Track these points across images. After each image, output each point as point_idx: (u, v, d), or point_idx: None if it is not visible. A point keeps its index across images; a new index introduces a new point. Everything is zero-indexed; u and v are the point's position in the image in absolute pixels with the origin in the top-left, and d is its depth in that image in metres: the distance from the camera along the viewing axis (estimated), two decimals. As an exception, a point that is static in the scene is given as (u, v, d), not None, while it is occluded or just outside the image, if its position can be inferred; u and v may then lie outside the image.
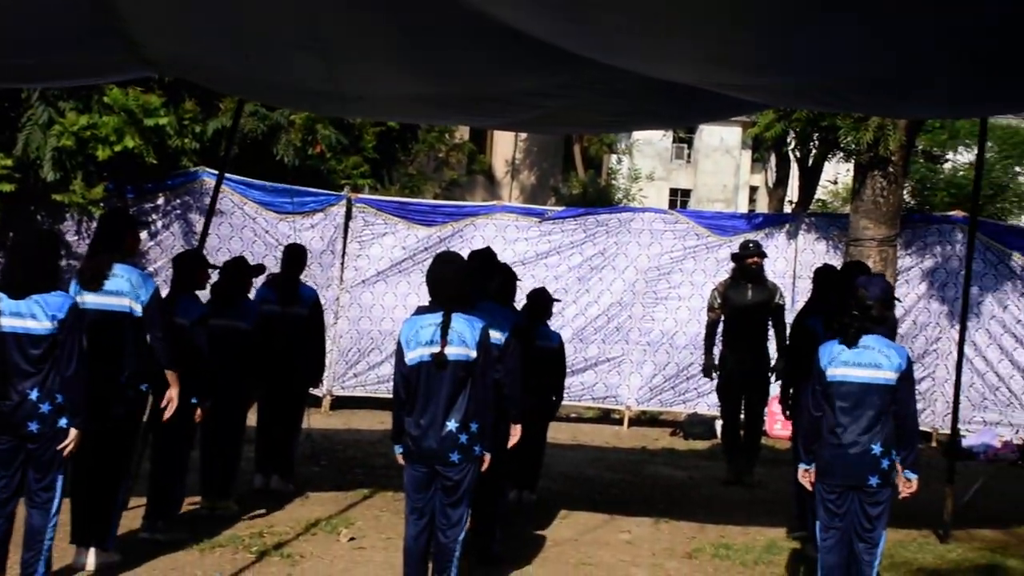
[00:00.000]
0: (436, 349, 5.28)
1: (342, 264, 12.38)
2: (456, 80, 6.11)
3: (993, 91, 6.01)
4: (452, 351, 5.29)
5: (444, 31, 5.25)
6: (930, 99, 6.20)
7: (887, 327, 5.61)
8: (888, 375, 5.29)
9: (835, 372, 5.35)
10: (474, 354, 5.33)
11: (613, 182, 32.69)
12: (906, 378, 5.36)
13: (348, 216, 12.41)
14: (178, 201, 11.99)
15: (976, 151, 25.14)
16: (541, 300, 7.64)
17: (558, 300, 7.12)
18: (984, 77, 5.51)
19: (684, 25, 4.51)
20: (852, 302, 5.39)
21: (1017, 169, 26.68)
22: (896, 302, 7.21)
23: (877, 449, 5.26)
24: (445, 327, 5.29)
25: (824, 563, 5.44)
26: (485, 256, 6.61)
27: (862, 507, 5.34)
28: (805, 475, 5.54)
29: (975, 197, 8.61)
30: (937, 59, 5.00)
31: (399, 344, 5.41)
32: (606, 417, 13.02)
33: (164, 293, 6.46)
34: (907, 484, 5.43)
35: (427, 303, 5.51)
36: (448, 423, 5.27)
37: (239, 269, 7.52)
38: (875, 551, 5.40)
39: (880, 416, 5.30)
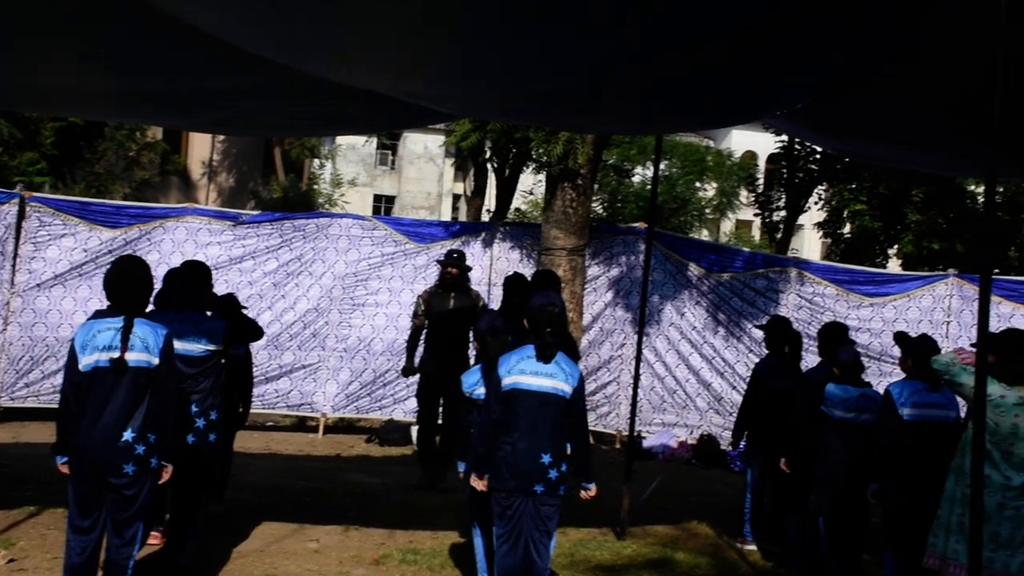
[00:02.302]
0: (115, 354, 5.08)
1: (13, 267, 11.60)
2: (139, 77, 5.91)
3: (667, 111, 6.47)
4: (133, 357, 5.12)
5: (127, 25, 5.06)
6: (608, 116, 6.59)
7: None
8: (564, 387, 5.55)
9: (512, 380, 5.55)
10: (156, 361, 5.18)
11: (315, 187, 32.41)
12: (578, 394, 5.63)
13: (21, 216, 11.64)
14: None
15: (661, 166, 26.83)
16: (228, 306, 7.49)
17: (245, 308, 7.01)
18: (657, 97, 5.93)
19: (374, 34, 4.58)
20: (543, 318, 5.58)
21: (698, 184, 28.72)
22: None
23: (547, 459, 5.51)
24: (126, 332, 5.11)
25: (500, 567, 5.63)
26: (199, 265, 6.64)
27: (536, 511, 5.57)
28: (478, 481, 5.70)
29: (652, 210, 9.20)
30: (611, 79, 5.33)
31: (72, 349, 5.16)
32: (302, 425, 12.91)
33: None
34: (587, 492, 5.76)
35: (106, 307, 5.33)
36: (124, 433, 5.09)
37: None
38: (547, 554, 5.66)
39: (553, 427, 5.53)
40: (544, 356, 5.54)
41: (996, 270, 17.35)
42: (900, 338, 6.89)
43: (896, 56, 5.05)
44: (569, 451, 5.76)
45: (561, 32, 4.47)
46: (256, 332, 6.71)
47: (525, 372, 5.53)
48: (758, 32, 4.50)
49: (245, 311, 6.97)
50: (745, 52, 4.74)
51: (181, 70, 5.65)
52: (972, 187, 19.36)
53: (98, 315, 5.29)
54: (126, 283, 5.28)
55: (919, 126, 6.31)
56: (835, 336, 7.64)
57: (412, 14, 4.30)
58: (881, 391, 6.78)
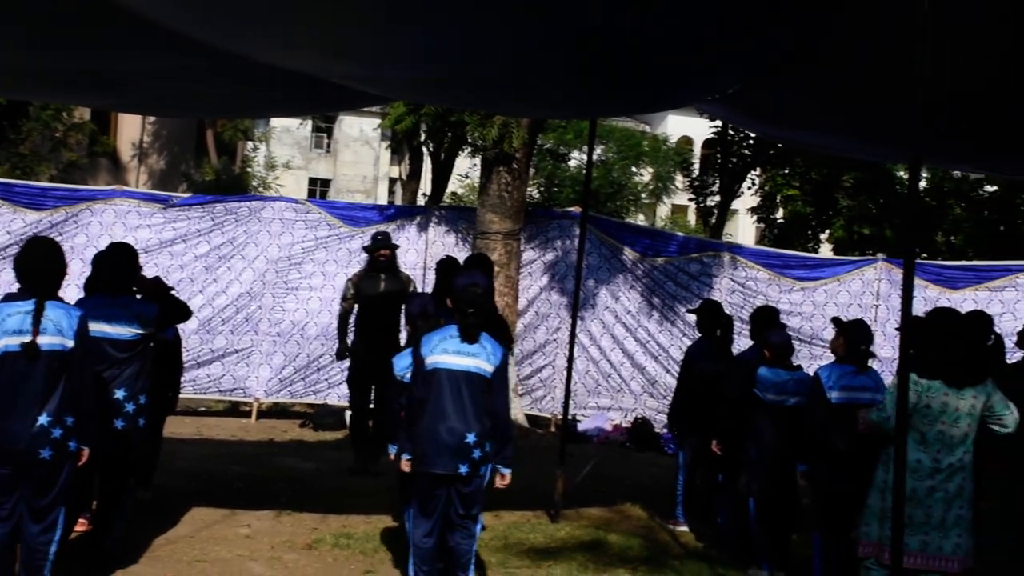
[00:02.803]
0: (26, 338, 5.00)
1: (-65, 250, 11.34)
2: (61, 55, 5.78)
3: (599, 95, 6.49)
4: (45, 340, 5.04)
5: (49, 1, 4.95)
6: (542, 101, 6.60)
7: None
8: (486, 366, 5.56)
9: (434, 359, 5.55)
10: (71, 344, 5.11)
11: (249, 170, 32.05)
12: (500, 373, 5.64)
13: (-58, 197, 11.38)
14: None
15: (597, 150, 26.87)
16: (156, 289, 7.37)
17: (173, 288, 6.91)
18: (589, 83, 5.95)
19: (300, 16, 4.53)
20: (467, 298, 5.58)
21: (634, 169, 28.89)
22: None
23: (471, 438, 5.52)
24: (38, 315, 5.03)
25: (419, 549, 5.62)
26: (126, 248, 6.51)
27: (457, 494, 5.58)
28: (406, 463, 5.70)
29: (586, 194, 9.25)
30: (543, 64, 5.33)
31: None
32: (234, 410, 12.79)
33: None
34: (501, 478, 5.75)
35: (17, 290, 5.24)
36: (40, 417, 5.01)
37: None
38: (471, 538, 5.67)
39: (476, 406, 5.54)
40: (467, 336, 5.55)
41: (924, 255, 17.71)
42: (837, 322, 6.98)
43: (822, 44, 5.12)
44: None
45: (494, 16, 4.46)
46: (184, 312, 6.63)
47: (448, 351, 5.54)
48: (688, 16, 4.53)
49: (174, 292, 6.87)
50: (676, 36, 4.77)
51: (104, 49, 5.53)
52: (901, 173, 19.68)
53: (8, 298, 5.20)
54: (38, 266, 5.21)
55: (846, 113, 6.40)
56: (766, 320, 7.75)
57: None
58: (811, 374, 6.88)
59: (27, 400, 5.01)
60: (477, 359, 5.54)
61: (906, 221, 4.13)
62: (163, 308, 6.37)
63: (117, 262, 6.31)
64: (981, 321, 7.56)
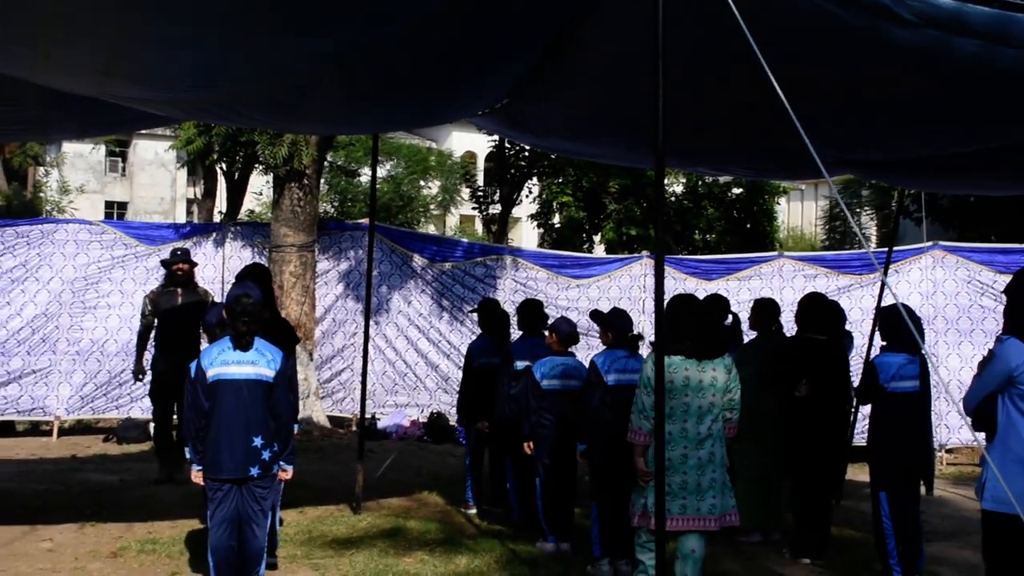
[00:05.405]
0: None
1: None
2: None
3: (375, 113, 6.55)
4: None
5: None
6: (315, 117, 6.58)
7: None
8: (266, 372, 5.52)
9: (216, 371, 5.47)
10: None
11: (41, 195, 30.39)
12: (281, 376, 5.61)
13: None
14: None
15: (387, 166, 26.79)
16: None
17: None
18: (369, 99, 6.00)
19: (72, 35, 4.38)
20: (238, 309, 5.51)
21: (422, 183, 29.04)
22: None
23: (259, 441, 5.48)
24: None
25: (213, 549, 5.54)
26: None
27: (250, 493, 5.54)
28: (197, 474, 5.60)
29: (372, 204, 9.26)
30: (318, 81, 5.34)
31: None
32: (35, 429, 12.16)
33: None
34: (284, 472, 5.75)
35: None
36: None
37: None
38: (263, 533, 5.62)
39: (261, 411, 5.50)
40: (240, 344, 5.50)
41: (686, 251, 18.54)
42: (595, 315, 7.21)
43: (576, 58, 5.33)
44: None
45: (262, 34, 4.44)
46: None
47: (228, 363, 5.48)
48: (451, 34, 4.64)
49: None
50: (438, 54, 4.87)
51: None
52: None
53: None
54: None
55: (600, 122, 6.67)
56: (533, 311, 8.03)
57: (106, 16, 4.14)
58: (587, 363, 7.08)
59: None
60: (256, 366, 5.50)
61: (656, 220, 4.35)
62: None
63: None
64: (717, 302, 8.05)
